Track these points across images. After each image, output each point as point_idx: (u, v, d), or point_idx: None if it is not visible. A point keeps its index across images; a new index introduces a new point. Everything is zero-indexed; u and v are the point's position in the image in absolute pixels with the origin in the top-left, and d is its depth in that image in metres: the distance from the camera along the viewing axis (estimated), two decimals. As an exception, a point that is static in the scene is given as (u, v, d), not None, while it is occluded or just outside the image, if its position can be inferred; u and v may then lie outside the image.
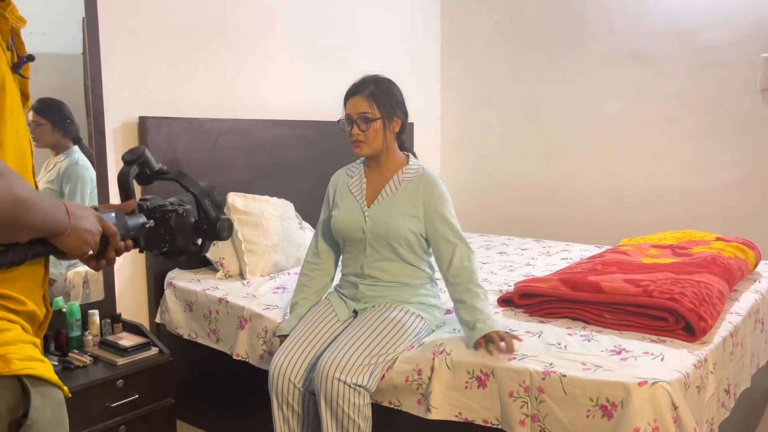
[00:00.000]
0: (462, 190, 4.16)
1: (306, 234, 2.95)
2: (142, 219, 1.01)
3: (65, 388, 0.93)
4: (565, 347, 1.72)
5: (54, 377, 0.90)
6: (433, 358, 1.75)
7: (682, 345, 1.72)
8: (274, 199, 2.89)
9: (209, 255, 2.68)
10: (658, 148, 3.49)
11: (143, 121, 2.58)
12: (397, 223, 1.88)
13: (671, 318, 1.77)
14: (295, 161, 3.20)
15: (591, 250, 3.08)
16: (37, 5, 2.25)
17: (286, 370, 1.79)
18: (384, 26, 3.77)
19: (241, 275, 2.64)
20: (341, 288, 2.06)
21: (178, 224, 1.03)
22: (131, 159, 1.07)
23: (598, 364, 1.61)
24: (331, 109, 3.42)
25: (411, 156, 2.02)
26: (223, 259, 2.67)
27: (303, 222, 3.04)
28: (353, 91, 1.91)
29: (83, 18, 2.37)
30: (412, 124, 3.88)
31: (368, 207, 1.94)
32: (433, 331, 1.93)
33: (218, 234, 1.08)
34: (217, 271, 2.68)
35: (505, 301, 2.11)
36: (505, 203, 4.01)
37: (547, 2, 3.74)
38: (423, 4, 4.07)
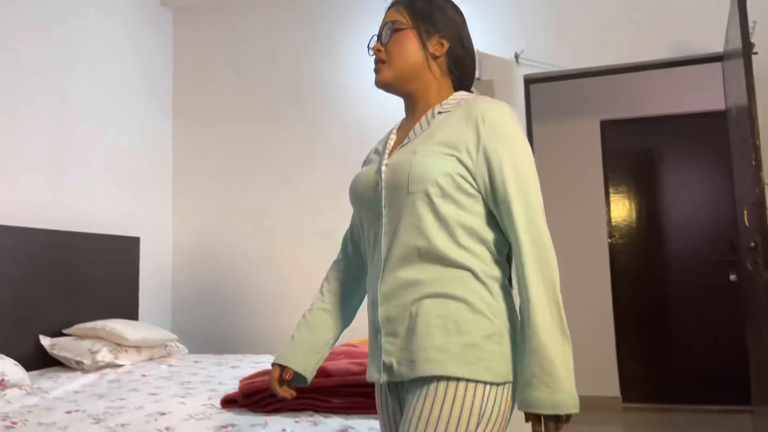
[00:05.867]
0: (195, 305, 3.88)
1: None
2: None
3: None
4: (291, 434, 1.56)
5: None
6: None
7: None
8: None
9: None
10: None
11: None
12: (425, 161, 1.19)
13: (396, 394, 1.75)
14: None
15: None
16: None
17: None
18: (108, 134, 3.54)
19: None
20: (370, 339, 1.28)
21: None
22: None
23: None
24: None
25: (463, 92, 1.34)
26: None
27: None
28: (388, 6, 1.38)
29: None
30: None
31: (389, 157, 1.28)
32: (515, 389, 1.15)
33: None
34: None
35: (228, 402, 1.89)
36: (239, 319, 3.83)
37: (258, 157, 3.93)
38: (158, 129, 3.96)
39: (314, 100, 3.88)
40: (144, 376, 2.68)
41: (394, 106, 3.67)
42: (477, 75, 3.50)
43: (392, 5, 1.36)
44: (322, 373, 1.84)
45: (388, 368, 1.16)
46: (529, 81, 3.55)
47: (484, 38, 3.56)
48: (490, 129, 1.18)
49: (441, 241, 1.15)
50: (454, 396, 1.08)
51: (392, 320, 1.17)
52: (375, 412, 1.74)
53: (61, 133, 3.22)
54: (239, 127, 4.00)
